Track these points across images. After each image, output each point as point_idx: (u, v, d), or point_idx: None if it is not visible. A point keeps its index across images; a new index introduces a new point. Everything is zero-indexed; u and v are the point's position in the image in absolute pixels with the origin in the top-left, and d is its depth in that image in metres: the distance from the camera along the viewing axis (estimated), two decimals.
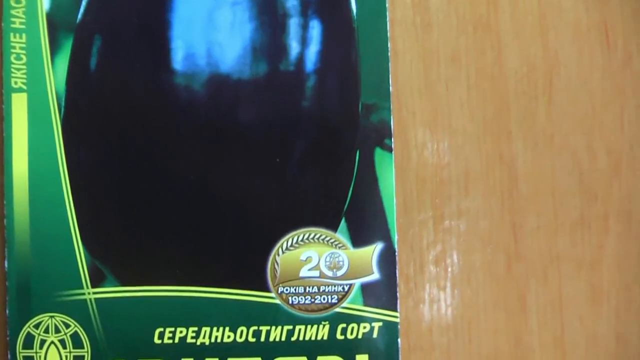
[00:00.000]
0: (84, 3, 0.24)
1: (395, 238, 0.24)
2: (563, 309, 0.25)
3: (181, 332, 0.24)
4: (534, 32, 0.25)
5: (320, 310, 0.24)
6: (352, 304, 0.24)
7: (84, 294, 0.24)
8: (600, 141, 0.25)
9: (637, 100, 0.25)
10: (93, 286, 0.24)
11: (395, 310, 0.24)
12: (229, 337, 0.24)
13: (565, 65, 0.25)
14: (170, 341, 0.24)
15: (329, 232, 0.24)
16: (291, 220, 0.24)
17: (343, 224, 0.24)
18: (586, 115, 0.25)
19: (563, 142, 0.25)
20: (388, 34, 0.24)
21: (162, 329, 0.24)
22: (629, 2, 0.25)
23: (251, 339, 0.24)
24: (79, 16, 0.24)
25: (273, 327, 0.24)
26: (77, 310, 0.24)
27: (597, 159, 0.25)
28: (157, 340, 0.24)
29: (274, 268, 0.24)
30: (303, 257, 0.24)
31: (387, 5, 0.24)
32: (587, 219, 0.25)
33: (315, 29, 0.24)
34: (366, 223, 0.24)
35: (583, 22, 0.25)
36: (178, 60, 0.24)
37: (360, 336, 0.24)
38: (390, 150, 0.24)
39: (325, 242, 0.24)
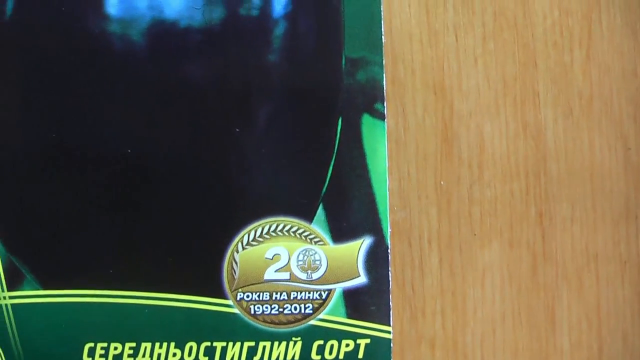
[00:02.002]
0: None
1: (388, 231, 0.19)
2: (602, 323, 0.19)
3: (116, 348, 0.19)
4: None
5: (291, 322, 0.19)
6: (331, 315, 0.19)
7: None
8: None
9: None
10: (9, 289, 0.19)
11: (387, 323, 0.19)
12: (174, 355, 0.19)
13: (608, 10, 0.20)
14: (103, 359, 0.19)
15: (302, 223, 0.19)
16: (254, 208, 0.19)
17: (321, 212, 0.19)
18: (633, 75, 0.20)
19: (604, 108, 0.20)
20: None
21: (92, 344, 0.19)
22: None
23: (202, 358, 0.19)
24: None
25: (230, 344, 0.19)
26: None
27: None
28: (86, 358, 0.19)
29: (232, 268, 0.19)
30: (269, 255, 0.19)
31: None
32: (634, 210, 0.20)
33: None
34: (350, 212, 0.19)
35: None
36: (112, 2, 0.19)
37: (341, 356, 0.19)
38: (382, 117, 0.19)
39: (298, 236, 0.19)
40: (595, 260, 0.20)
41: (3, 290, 0.20)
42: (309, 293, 0.19)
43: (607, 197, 0.20)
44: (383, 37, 0.19)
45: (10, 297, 0.20)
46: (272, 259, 0.19)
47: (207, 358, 0.19)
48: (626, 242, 0.20)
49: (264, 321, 0.19)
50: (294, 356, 0.19)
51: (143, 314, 0.19)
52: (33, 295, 0.20)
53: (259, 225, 0.19)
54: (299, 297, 0.19)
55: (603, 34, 0.20)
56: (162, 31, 0.19)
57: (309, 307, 0.19)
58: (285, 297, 0.19)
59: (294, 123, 0.19)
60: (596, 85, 0.20)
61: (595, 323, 0.20)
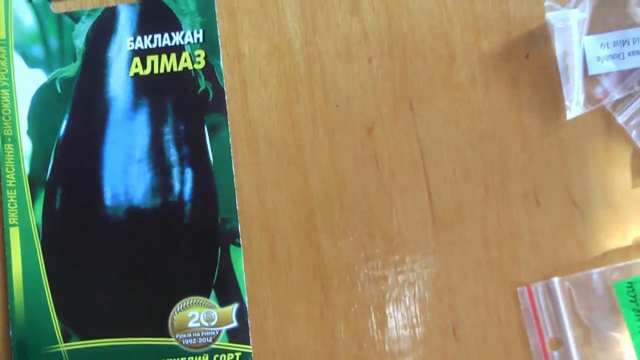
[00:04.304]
0: (49, 169, 0.40)
1: (246, 300, 0.39)
2: None
3: None
4: None
5: (202, 347, 0.39)
6: (221, 342, 0.39)
7: (59, 347, 0.39)
8: None
9: None
10: (64, 342, 0.39)
11: (248, 344, 0.39)
12: None
13: None
14: None
15: (205, 299, 0.39)
16: (184, 291, 0.39)
17: (213, 293, 0.39)
18: None
19: None
20: (233, 173, 0.39)
21: None
22: None
23: None
24: (47, 177, 0.40)
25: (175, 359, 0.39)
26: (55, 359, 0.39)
27: None
28: None
29: (173, 323, 0.39)
30: (189, 315, 0.39)
31: (231, 156, 0.40)
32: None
33: (189, 174, 0.40)
34: (227, 292, 0.39)
35: None
36: (108, 198, 0.40)
37: None
38: (239, 245, 0.39)
39: (203, 305, 0.39)
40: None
41: (60, 343, 0.40)
42: (210, 332, 0.39)
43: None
44: (237, 206, 0.39)
45: (65, 347, 0.40)
46: (191, 317, 0.39)
47: None
48: None
49: (189, 347, 0.39)
50: None
51: (123, 351, 0.39)
52: (76, 345, 0.40)
53: (185, 300, 0.39)
54: (205, 334, 0.39)
55: None
56: (133, 211, 0.40)
57: (210, 339, 0.39)
58: (198, 335, 0.39)
59: (198, 251, 0.39)
60: None
61: None
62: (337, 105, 0.39)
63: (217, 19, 0.40)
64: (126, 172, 0.39)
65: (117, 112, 0.40)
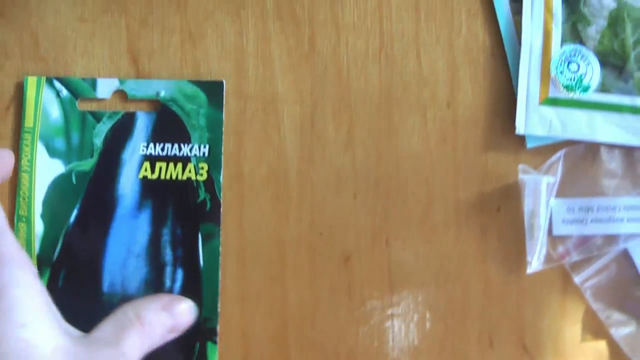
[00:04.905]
0: (57, 251, 0.44)
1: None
2: None
3: None
4: None
5: None
6: None
7: None
8: None
9: None
10: None
11: None
12: None
13: None
14: None
15: None
16: None
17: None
18: None
19: None
20: (219, 278, 0.43)
21: None
22: None
23: None
24: (54, 258, 0.44)
25: None
26: None
27: None
28: None
29: None
30: None
31: (219, 264, 0.44)
32: None
33: (179, 273, 0.44)
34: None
35: None
36: (106, 285, 0.44)
37: None
38: (216, 343, 0.43)
39: None
40: None
41: None
42: None
43: None
44: (219, 308, 0.44)
45: None
46: None
47: None
48: None
49: None
50: None
51: None
52: None
53: None
54: None
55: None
56: (127, 300, 0.44)
57: None
58: None
59: (179, 348, 0.44)
60: None
61: None
62: (320, 233, 0.43)
63: (222, 138, 0.44)
64: (125, 264, 0.44)
65: (124, 208, 0.44)
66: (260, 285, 0.43)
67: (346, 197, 0.43)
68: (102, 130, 0.45)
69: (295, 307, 0.43)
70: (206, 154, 0.44)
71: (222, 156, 0.44)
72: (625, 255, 0.43)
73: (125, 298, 0.43)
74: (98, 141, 0.44)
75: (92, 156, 0.44)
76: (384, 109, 0.43)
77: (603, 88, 0.43)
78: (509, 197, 0.43)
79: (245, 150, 0.43)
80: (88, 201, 0.44)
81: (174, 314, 0.38)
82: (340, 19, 0.44)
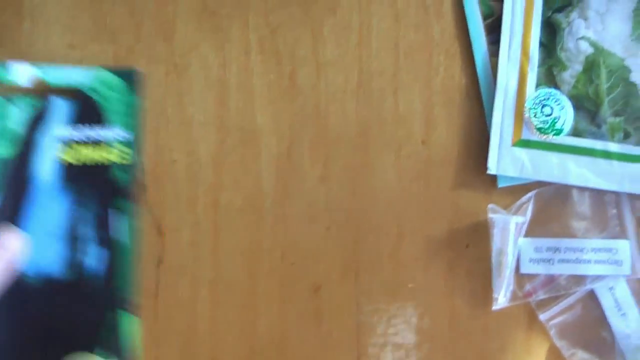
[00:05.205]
0: None
1: None
2: None
3: None
4: None
5: None
6: None
7: None
8: None
9: None
10: None
11: None
12: None
13: None
14: None
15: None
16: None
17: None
18: None
19: None
20: (133, 250, 0.45)
21: None
22: None
23: None
24: None
25: None
26: None
27: None
28: None
29: None
30: None
31: (134, 234, 0.45)
32: None
33: (99, 251, 0.44)
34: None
35: None
36: (29, 268, 0.45)
37: None
38: (131, 313, 0.44)
39: None
40: None
41: None
42: None
43: None
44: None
45: None
46: None
47: None
48: None
49: None
50: None
51: None
52: None
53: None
54: None
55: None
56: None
57: None
58: None
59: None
60: None
61: None
62: (292, 263, 0.44)
63: (139, 123, 0.45)
64: (46, 246, 0.44)
65: (43, 192, 0.45)
66: (232, 312, 0.44)
67: (319, 229, 0.44)
68: (20, 116, 0.46)
69: (264, 333, 0.44)
70: (125, 138, 0.45)
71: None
72: (591, 296, 0.44)
73: (48, 280, 0.44)
74: (17, 127, 0.45)
75: (11, 142, 0.45)
76: (360, 144, 0.45)
77: (576, 132, 0.44)
78: (478, 234, 0.44)
79: (222, 180, 0.45)
80: (8, 187, 0.45)
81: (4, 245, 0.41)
82: (321, 56, 0.45)
